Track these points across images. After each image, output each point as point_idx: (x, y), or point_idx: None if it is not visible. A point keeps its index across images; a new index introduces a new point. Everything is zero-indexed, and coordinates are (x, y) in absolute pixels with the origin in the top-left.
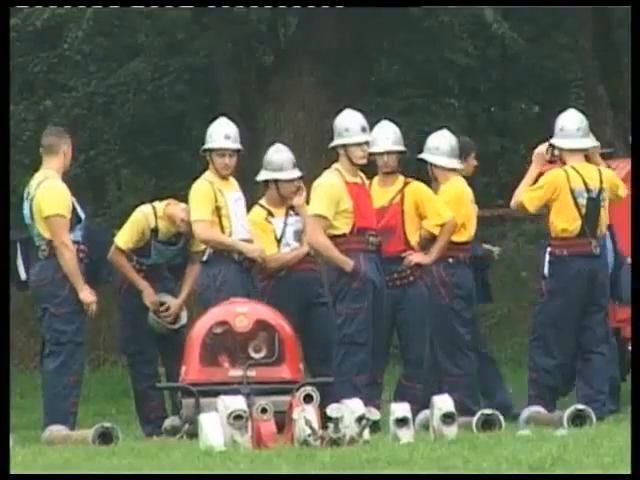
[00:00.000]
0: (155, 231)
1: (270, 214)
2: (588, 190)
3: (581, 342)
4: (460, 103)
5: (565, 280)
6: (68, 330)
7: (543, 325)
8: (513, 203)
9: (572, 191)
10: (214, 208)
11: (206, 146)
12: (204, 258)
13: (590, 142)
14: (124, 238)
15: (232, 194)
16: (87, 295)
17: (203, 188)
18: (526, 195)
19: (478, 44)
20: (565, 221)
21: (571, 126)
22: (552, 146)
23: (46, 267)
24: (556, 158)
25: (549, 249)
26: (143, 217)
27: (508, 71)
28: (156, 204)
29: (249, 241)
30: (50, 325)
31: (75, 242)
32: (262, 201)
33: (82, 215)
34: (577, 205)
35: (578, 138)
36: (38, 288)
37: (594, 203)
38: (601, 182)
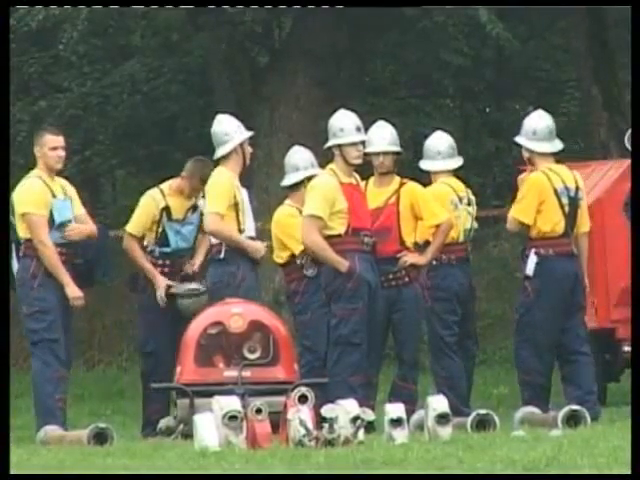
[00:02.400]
0: (167, 210)
1: (301, 213)
2: (567, 189)
3: (564, 343)
4: (455, 104)
5: (552, 281)
6: (38, 328)
7: (531, 326)
8: (508, 225)
9: (555, 191)
10: (233, 204)
11: (241, 139)
12: (221, 256)
13: (560, 144)
14: (133, 223)
15: (243, 191)
16: (73, 290)
17: (225, 181)
18: (515, 210)
19: (472, 45)
20: (550, 222)
21: (543, 129)
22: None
23: (21, 267)
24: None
25: (534, 249)
26: (150, 199)
27: (502, 72)
28: (162, 185)
29: (253, 239)
30: (25, 325)
31: (54, 244)
32: (289, 201)
33: (60, 218)
34: (561, 205)
35: (551, 141)
36: (17, 288)
37: (573, 202)
38: (576, 182)
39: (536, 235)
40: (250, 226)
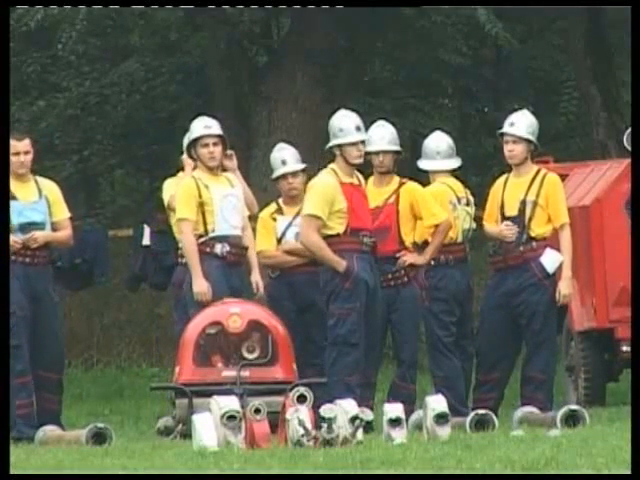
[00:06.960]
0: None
1: (280, 211)
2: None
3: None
4: (453, 103)
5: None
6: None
7: (551, 326)
8: (568, 233)
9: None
10: (198, 204)
11: (189, 139)
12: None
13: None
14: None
15: (221, 190)
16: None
17: (186, 185)
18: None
19: (471, 44)
20: None
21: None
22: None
23: None
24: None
25: (548, 247)
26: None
27: (501, 71)
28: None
29: (236, 237)
30: None
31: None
32: (280, 199)
33: (20, 219)
34: None
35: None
36: None
37: None
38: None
39: (551, 234)
40: (223, 225)
